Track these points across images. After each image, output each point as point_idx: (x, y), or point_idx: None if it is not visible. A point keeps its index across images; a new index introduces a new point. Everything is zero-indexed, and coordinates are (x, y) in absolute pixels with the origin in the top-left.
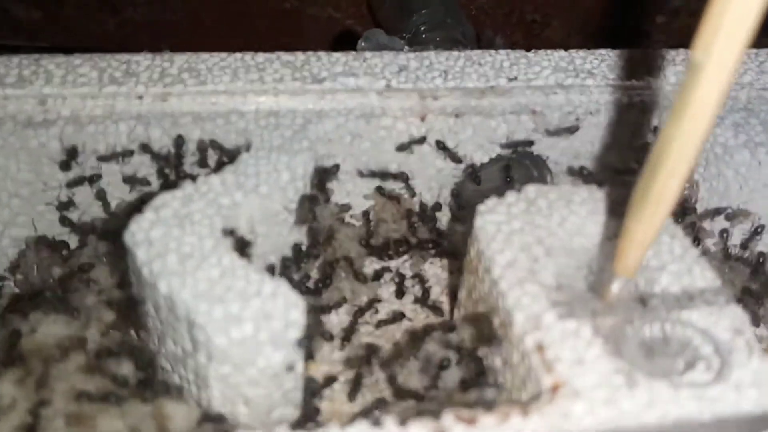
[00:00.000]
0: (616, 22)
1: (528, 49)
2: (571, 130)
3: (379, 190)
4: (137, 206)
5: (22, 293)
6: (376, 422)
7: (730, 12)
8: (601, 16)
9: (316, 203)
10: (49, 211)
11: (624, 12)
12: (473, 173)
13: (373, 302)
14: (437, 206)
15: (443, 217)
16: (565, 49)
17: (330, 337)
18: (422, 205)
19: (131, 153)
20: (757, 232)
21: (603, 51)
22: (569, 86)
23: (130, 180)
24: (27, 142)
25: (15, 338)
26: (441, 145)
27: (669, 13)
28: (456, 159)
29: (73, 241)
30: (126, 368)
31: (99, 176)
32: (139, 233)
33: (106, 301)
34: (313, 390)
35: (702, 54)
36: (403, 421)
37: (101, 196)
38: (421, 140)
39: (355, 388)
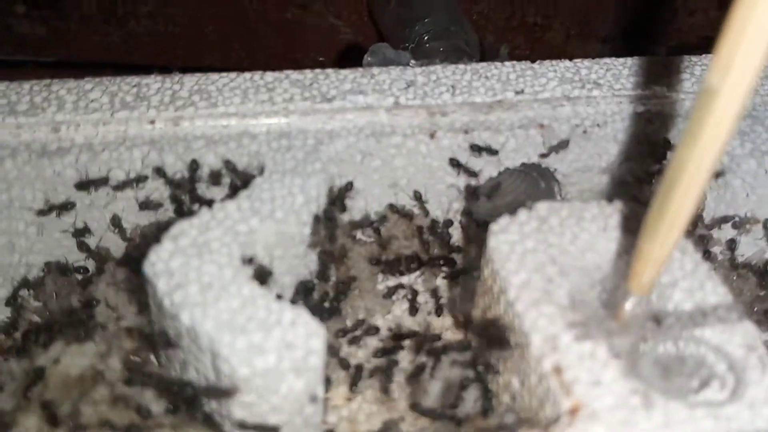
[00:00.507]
0: (616, 25)
1: (530, 52)
2: (561, 146)
3: (392, 207)
4: (154, 234)
5: (40, 322)
6: None
7: (746, 38)
8: (600, 18)
9: (332, 223)
10: (66, 238)
11: (623, 14)
12: (474, 191)
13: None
14: (449, 222)
15: (454, 233)
16: (566, 51)
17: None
18: (433, 221)
19: (145, 178)
20: None
21: (607, 60)
22: (576, 98)
23: (145, 205)
24: (42, 171)
25: (39, 374)
26: (455, 163)
27: (670, 13)
28: (471, 174)
29: (91, 267)
30: (149, 398)
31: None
32: (159, 264)
33: (125, 329)
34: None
35: (717, 78)
36: None
37: (117, 222)
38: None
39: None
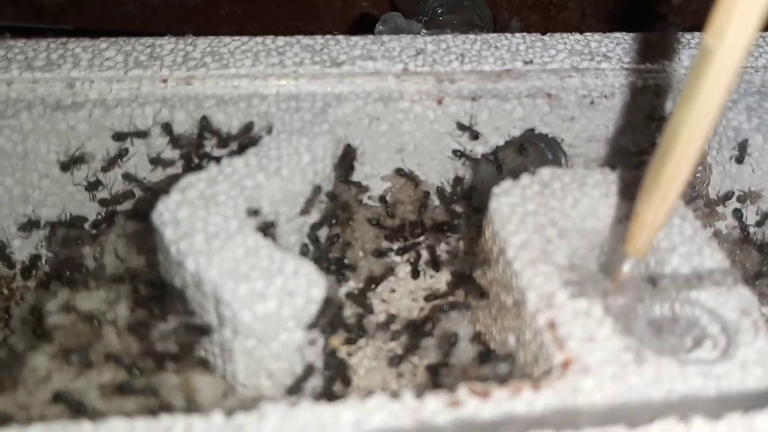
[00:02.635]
0: (632, 4)
1: (544, 32)
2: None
3: (399, 171)
4: (164, 187)
5: (51, 271)
6: (395, 395)
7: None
8: None
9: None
10: (78, 191)
11: None
12: (495, 158)
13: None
14: (458, 180)
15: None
16: (581, 32)
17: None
18: (439, 188)
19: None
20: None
21: (618, 34)
22: (584, 69)
23: (155, 161)
24: (56, 125)
25: (39, 314)
26: (460, 125)
27: None
28: (474, 135)
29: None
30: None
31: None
32: (167, 213)
33: (133, 278)
34: (333, 364)
35: (713, 40)
36: (419, 394)
37: (131, 176)
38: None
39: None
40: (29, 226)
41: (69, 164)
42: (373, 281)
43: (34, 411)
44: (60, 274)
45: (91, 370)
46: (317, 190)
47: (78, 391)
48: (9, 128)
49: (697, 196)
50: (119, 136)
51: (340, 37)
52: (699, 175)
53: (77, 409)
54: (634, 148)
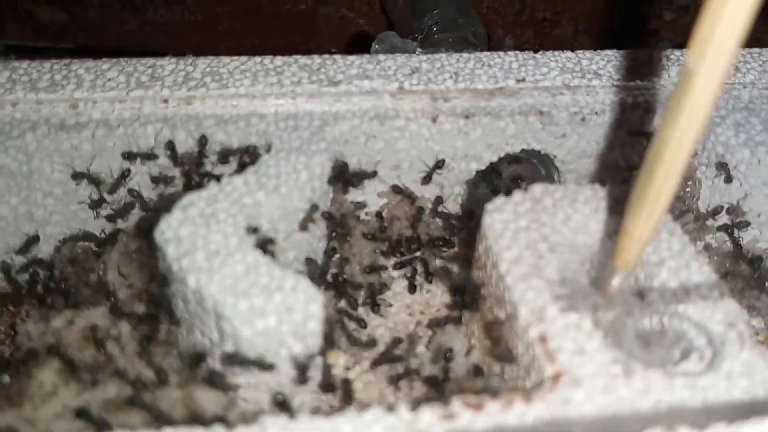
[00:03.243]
0: (625, 20)
1: (539, 48)
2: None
3: (395, 188)
4: (165, 206)
5: (57, 288)
6: (391, 408)
7: (722, 21)
8: (609, 14)
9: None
10: (82, 210)
11: (632, 9)
12: (491, 174)
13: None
14: (439, 200)
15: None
16: (574, 47)
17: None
18: (434, 204)
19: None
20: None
21: (609, 52)
22: (576, 87)
23: (156, 179)
24: (60, 145)
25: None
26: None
27: (677, 10)
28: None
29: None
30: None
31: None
32: (169, 231)
33: (136, 296)
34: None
35: (695, 60)
36: (414, 407)
37: (135, 194)
38: (441, 163)
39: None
40: (28, 244)
41: (81, 176)
42: (372, 295)
43: (40, 426)
44: (65, 291)
45: (96, 385)
46: (314, 207)
47: (84, 405)
48: (14, 148)
49: (687, 210)
50: (129, 156)
51: (337, 56)
52: (689, 189)
53: (100, 426)
54: (624, 163)
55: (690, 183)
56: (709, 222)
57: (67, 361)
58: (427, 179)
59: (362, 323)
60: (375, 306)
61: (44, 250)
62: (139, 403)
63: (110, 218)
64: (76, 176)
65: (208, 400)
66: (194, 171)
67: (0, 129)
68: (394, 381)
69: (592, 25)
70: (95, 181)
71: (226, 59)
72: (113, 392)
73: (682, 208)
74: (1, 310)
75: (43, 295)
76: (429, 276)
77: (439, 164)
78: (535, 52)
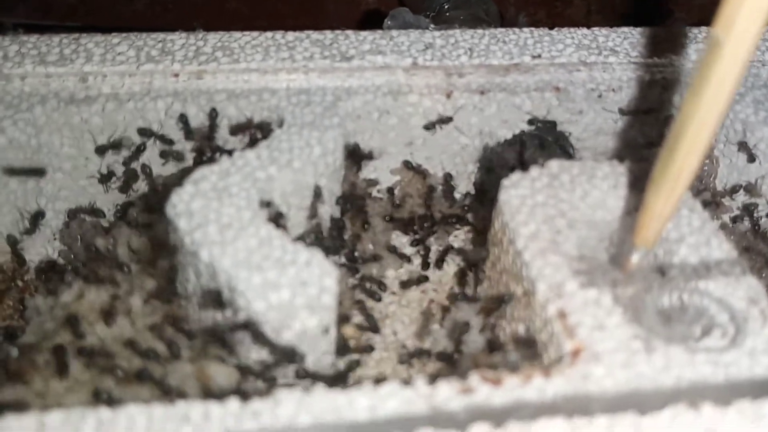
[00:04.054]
0: (637, 0)
1: (551, 28)
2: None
3: (407, 163)
4: (176, 180)
5: (66, 263)
6: (407, 382)
7: None
8: None
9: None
10: (91, 185)
11: None
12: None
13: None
14: (449, 176)
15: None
16: (588, 27)
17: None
18: (446, 180)
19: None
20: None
21: (625, 29)
22: (592, 63)
23: (166, 154)
24: (70, 119)
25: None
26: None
27: None
28: None
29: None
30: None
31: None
32: (180, 205)
33: (146, 270)
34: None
35: (722, 31)
36: (431, 381)
37: (146, 170)
38: (448, 120)
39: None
40: (34, 219)
41: (106, 149)
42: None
43: (50, 399)
44: (75, 267)
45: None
46: (318, 191)
47: (98, 380)
48: (23, 122)
49: (704, 189)
50: (144, 132)
51: (350, 32)
52: (706, 168)
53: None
54: (642, 140)
55: (707, 161)
56: (726, 200)
57: (80, 335)
58: (430, 126)
59: (377, 296)
60: (381, 285)
61: (53, 225)
62: (147, 376)
63: (122, 189)
64: (101, 150)
65: (220, 374)
66: (206, 145)
67: (9, 102)
68: (404, 359)
69: (604, 6)
70: (118, 146)
71: (237, 34)
72: (125, 366)
73: (699, 186)
74: (10, 284)
75: (52, 269)
76: (440, 262)
77: (445, 120)
78: (551, 29)
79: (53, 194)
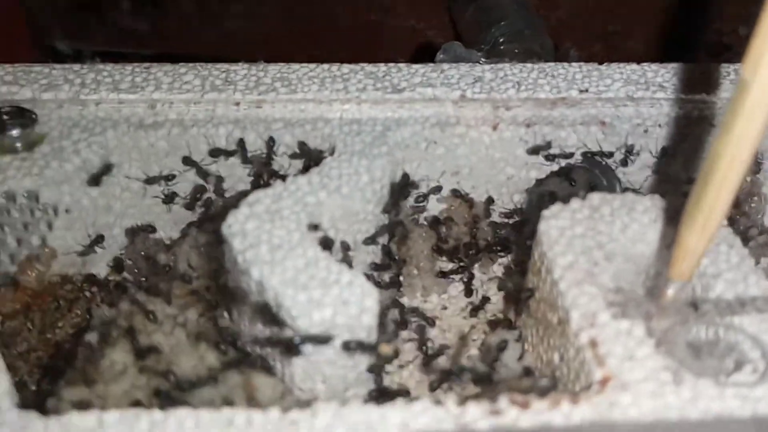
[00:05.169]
0: (696, 34)
1: (608, 60)
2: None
3: (455, 192)
4: (233, 202)
5: (129, 278)
6: (438, 401)
7: None
8: (681, 28)
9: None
10: (156, 204)
11: (706, 24)
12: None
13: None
14: (490, 200)
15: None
16: (644, 61)
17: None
18: (487, 203)
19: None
20: None
21: (675, 65)
22: (639, 99)
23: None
24: (138, 142)
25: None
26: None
27: (751, 25)
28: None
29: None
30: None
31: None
32: (236, 225)
33: (204, 287)
34: (378, 367)
35: (750, 73)
36: (462, 402)
37: (219, 191)
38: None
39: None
40: (94, 242)
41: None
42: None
43: (110, 402)
44: (137, 279)
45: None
46: (383, 229)
47: (153, 385)
48: (97, 144)
49: (752, 226)
50: (215, 153)
51: (402, 65)
52: (754, 205)
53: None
54: (685, 175)
55: (755, 198)
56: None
57: (138, 344)
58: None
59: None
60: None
61: (119, 241)
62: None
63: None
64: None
65: (265, 385)
66: (263, 170)
67: (84, 126)
68: (434, 387)
69: (663, 39)
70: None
71: (295, 66)
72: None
73: (746, 223)
74: (78, 295)
75: (118, 282)
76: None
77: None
78: (600, 63)
79: (121, 212)
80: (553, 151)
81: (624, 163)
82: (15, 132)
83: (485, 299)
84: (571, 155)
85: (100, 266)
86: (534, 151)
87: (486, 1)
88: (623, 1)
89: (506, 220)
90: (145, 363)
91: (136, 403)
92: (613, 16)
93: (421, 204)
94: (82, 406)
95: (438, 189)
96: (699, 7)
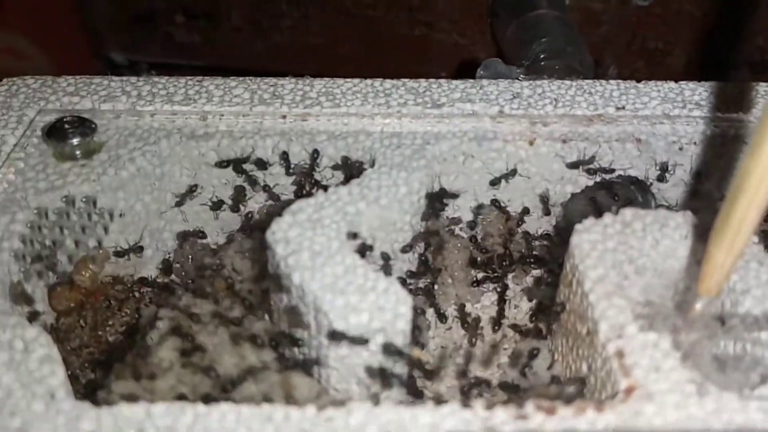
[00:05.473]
0: (738, 52)
1: (649, 77)
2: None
3: (494, 202)
4: (277, 210)
5: (177, 281)
6: (466, 404)
7: None
8: (723, 45)
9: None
10: (204, 211)
11: (748, 42)
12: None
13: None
14: (526, 210)
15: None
16: (685, 78)
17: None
18: (522, 214)
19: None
20: None
21: (713, 83)
22: (676, 117)
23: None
24: (190, 152)
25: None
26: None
27: None
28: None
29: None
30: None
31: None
32: (279, 232)
33: (247, 290)
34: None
35: None
36: (489, 406)
37: (273, 196)
38: (513, 173)
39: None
40: (132, 250)
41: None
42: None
43: (157, 396)
44: (184, 281)
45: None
46: (417, 237)
47: (196, 381)
48: (150, 153)
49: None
50: (259, 163)
51: (443, 80)
52: None
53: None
54: (718, 194)
55: None
56: None
57: (188, 341)
58: (497, 182)
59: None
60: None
61: (168, 245)
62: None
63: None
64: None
65: (303, 385)
66: (306, 181)
67: (140, 136)
68: (465, 391)
69: (705, 56)
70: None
71: (340, 81)
72: (221, 370)
73: None
74: (128, 295)
75: (165, 284)
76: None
77: (511, 173)
78: (638, 81)
79: (171, 218)
80: (594, 165)
81: (660, 179)
82: (75, 140)
83: (501, 312)
84: (613, 171)
85: (149, 268)
86: (574, 165)
87: (528, 18)
88: (666, 19)
89: (540, 232)
90: (189, 360)
91: (181, 398)
92: (656, 33)
93: (456, 219)
94: (131, 398)
95: (481, 207)
96: (742, 24)
